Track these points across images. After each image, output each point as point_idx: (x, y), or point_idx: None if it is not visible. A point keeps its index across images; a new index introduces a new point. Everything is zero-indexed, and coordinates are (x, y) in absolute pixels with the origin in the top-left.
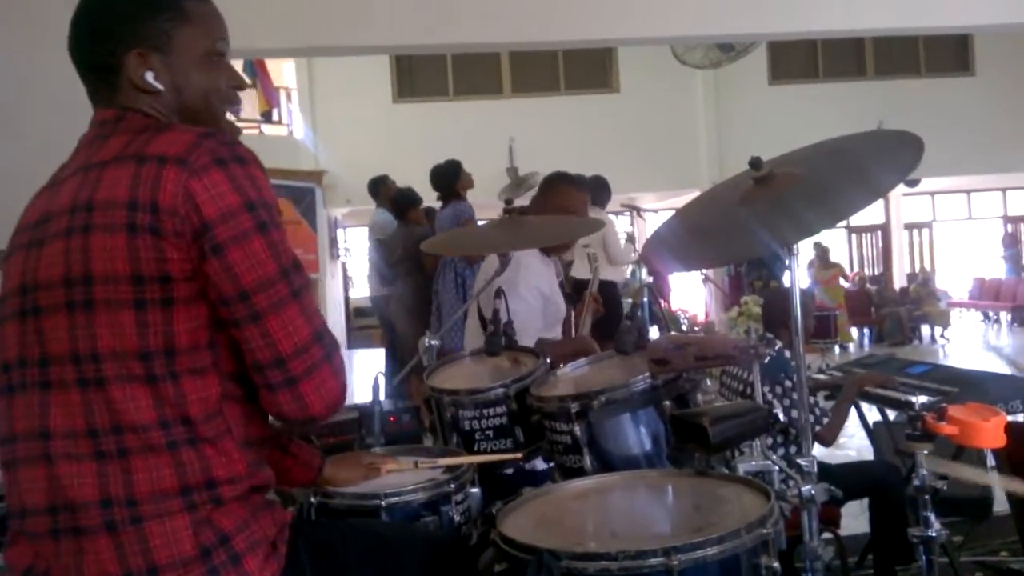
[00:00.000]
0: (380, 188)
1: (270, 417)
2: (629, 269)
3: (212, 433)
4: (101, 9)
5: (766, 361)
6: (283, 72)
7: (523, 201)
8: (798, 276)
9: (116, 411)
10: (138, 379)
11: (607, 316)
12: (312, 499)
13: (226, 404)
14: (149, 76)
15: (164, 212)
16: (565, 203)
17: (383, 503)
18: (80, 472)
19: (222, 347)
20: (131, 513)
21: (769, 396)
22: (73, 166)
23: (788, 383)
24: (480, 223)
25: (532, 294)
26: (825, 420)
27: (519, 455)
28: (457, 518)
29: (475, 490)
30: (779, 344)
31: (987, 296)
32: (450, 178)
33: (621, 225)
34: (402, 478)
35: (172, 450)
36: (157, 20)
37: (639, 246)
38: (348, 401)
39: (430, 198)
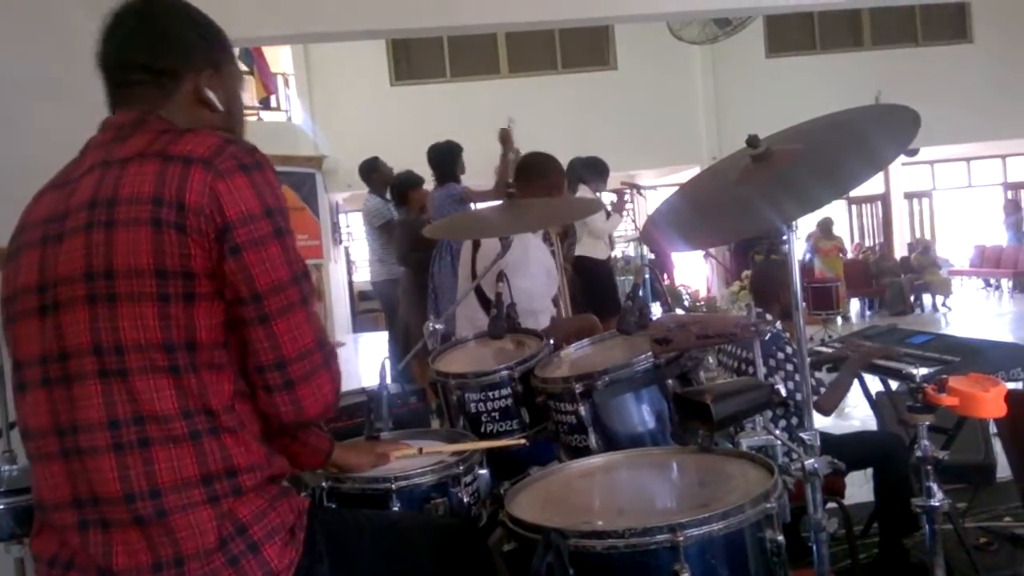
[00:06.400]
0: (373, 174)
1: None
2: (631, 246)
3: (232, 423)
4: (181, 19)
5: (766, 338)
6: (280, 58)
7: None
8: (796, 248)
9: (139, 401)
10: (161, 370)
11: (597, 292)
12: (323, 484)
13: (238, 400)
14: (211, 94)
15: (190, 210)
16: (559, 183)
17: (393, 486)
18: (100, 466)
19: (234, 347)
20: (155, 506)
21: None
22: (87, 164)
23: (780, 355)
24: (481, 207)
25: (540, 271)
26: (822, 390)
27: (523, 441)
28: (466, 499)
29: (483, 471)
30: (769, 317)
31: (988, 263)
32: (450, 159)
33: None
34: (411, 461)
35: (194, 440)
36: (222, 46)
37: (639, 224)
38: (356, 384)
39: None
